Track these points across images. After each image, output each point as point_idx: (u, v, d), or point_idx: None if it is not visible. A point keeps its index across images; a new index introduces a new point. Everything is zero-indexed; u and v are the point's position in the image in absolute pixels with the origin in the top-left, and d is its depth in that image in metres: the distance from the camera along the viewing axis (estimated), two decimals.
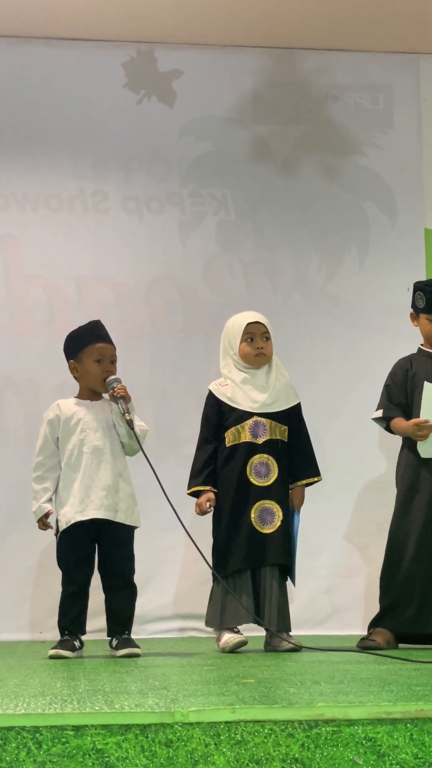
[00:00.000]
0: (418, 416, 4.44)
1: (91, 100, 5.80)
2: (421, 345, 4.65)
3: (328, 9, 5.58)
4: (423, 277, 5.70)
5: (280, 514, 4.29)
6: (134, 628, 4.22)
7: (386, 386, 4.62)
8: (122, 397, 4.12)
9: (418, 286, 4.63)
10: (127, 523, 4.14)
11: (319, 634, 5.28)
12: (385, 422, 4.57)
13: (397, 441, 4.62)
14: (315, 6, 5.55)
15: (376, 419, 4.61)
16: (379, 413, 4.57)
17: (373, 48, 5.99)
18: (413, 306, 4.64)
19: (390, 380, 4.62)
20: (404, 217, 5.96)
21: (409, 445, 4.49)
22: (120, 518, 4.11)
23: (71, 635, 4.08)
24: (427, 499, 4.42)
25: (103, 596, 4.17)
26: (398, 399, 4.55)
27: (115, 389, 4.13)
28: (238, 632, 4.24)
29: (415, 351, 4.66)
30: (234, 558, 4.25)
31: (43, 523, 4.17)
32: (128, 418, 4.08)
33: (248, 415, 4.34)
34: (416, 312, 4.63)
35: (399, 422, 4.50)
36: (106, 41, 5.82)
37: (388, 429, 4.59)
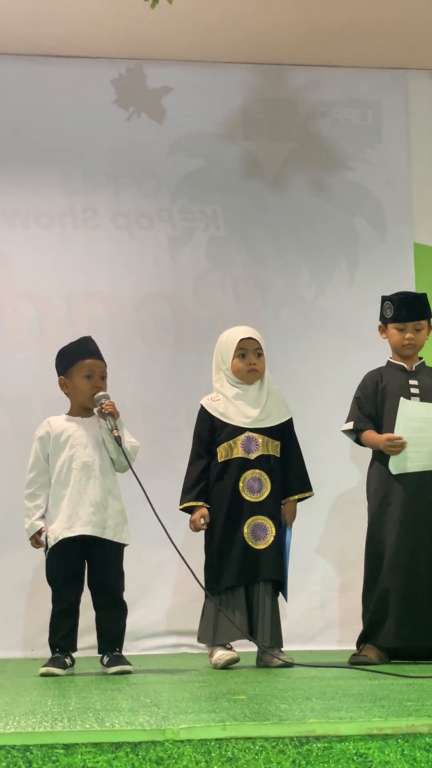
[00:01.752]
0: (388, 430, 4.43)
1: (80, 116, 5.81)
2: (390, 358, 4.65)
3: (317, 25, 5.61)
4: (413, 290, 5.72)
5: (273, 529, 4.28)
6: (126, 644, 4.20)
7: (356, 398, 4.61)
8: (110, 414, 4.11)
9: (386, 297, 4.66)
10: (116, 540, 4.12)
11: (311, 649, 5.27)
12: (355, 434, 4.57)
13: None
14: (303, 22, 5.57)
15: (346, 431, 4.60)
16: (350, 425, 4.56)
17: (362, 64, 6.02)
18: (381, 318, 4.66)
19: (360, 392, 4.61)
20: (393, 231, 5.98)
21: (380, 458, 4.49)
22: (108, 535, 4.10)
23: (62, 653, 4.07)
24: (399, 512, 4.41)
25: (93, 613, 4.16)
26: (369, 411, 4.55)
27: (103, 405, 4.13)
28: (230, 648, 4.23)
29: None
30: (227, 574, 4.24)
31: (36, 540, 4.16)
32: (116, 434, 4.08)
33: (240, 430, 4.34)
34: (384, 323, 4.64)
35: (370, 435, 4.50)
36: (95, 58, 5.83)
37: (358, 441, 4.58)
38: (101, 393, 4.18)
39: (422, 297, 4.69)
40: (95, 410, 4.21)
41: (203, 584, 4.22)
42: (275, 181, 5.96)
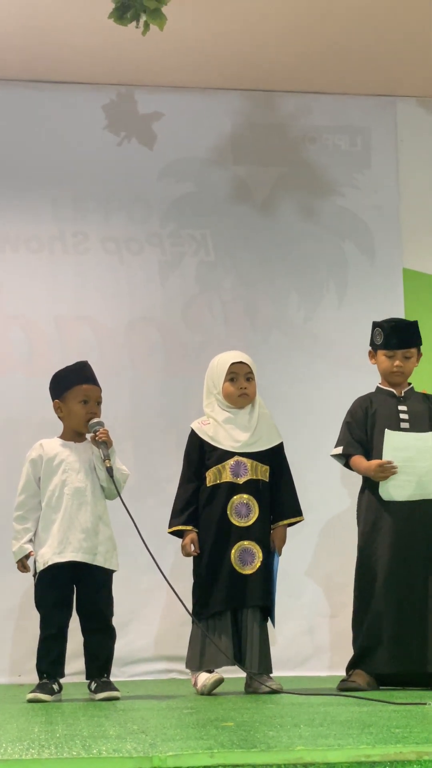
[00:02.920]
0: (377, 456, 4.43)
1: (71, 142, 5.83)
2: (379, 384, 4.66)
3: (306, 52, 5.65)
4: (402, 316, 5.74)
5: (260, 554, 4.27)
6: (114, 670, 4.18)
7: (346, 423, 4.60)
8: (104, 442, 4.11)
9: (377, 323, 4.67)
10: (106, 566, 4.11)
11: (300, 675, 5.25)
12: (345, 459, 4.57)
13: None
14: (293, 49, 5.62)
15: (335, 456, 4.60)
16: (339, 450, 4.56)
17: (351, 91, 6.06)
18: (371, 344, 4.67)
19: (350, 417, 4.61)
20: (382, 256, 6.01)
21: (370, 485, 4.48)
22: (99, 561, 4.09)
23: (50, 678, 4.04)
24: (390, 539, 4.40)
25: (81, 638, 4.14)
26: (359, 436, 4.55)
27: (98, 434, 4.13)
28: (213, 672, 4.21)
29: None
30: (214, 599, 4.23)
31: (22, 564, 4.14)
32: (108, 465, 4.08)
33: (229, 454, 4.34)
34: (374, 349, 4.65)
35: (360, 461, 4.50)
36: (86, 84, 5.87)
37: (347, 465, 4.58)
38: (96, 420, 4.17)
39: (412, 325, 4.70)
40: (89, 437, 4.21)
41: (190, 610, 4.20)
42: (265, 206, 5.99)
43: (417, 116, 6.18)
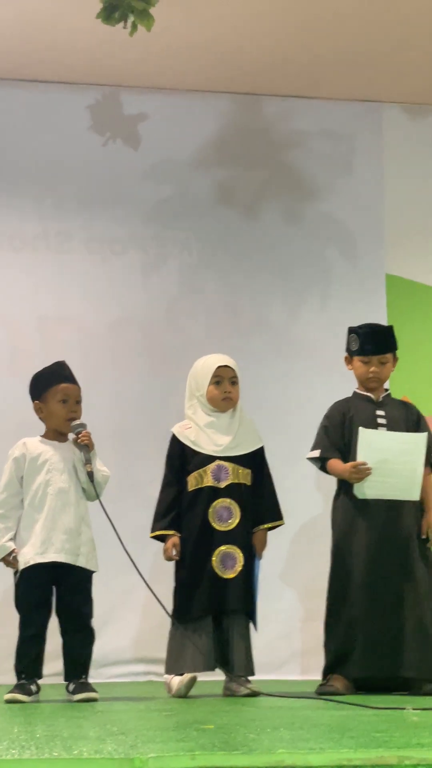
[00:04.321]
0: (354, 460, 4.43)
1: (56, 141, 5.82)
2: (356, 389, 4.67)
3: (292, 56, 5.66)
4: (384, 322, 5.75)
5: (242, 558, 4.27)
6: (92, 671, 4.17)
7: (324, 427, 4.61)
8: (86, 445, 4.10)
9: (352, 329, 4.68)
10: (88, 567, 4.11)
11: (278, 679, 5.25)
12: (321, 462, 4.57)
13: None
14: (279, 53, 5.62)
15: (311, 459, 4.60)
16: (316, 453, 4.56)
17: (336, 96, 6.07)
18: (347, 349, 4.67)
19: (327, 421, 4.61)
20: (365, 262, 6.02)
21: (346, 489, 4.49)
22: (81, 562, 4.08)
23: (28, 679, 4.02)
24: (365, 542, 4.41)
25: (59, 639, 4.12)
26: (336, 440, 4.55)
27: (79, 436, 4.12)
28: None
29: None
30: (196, 603, 4.22)
31: (7, 561, 4.12)
32: (89, 469, 4.07)
33: (210, 459, 4.33)
34: (350, 355, 4.66)
35: (336, 464, 4.50)
36: (71, 84, 5.85)
37: (323, 469, 4.58)
38: (78, 422, 4.16)
39: (388, 330, 4.70)
40: (71, 438, 4.19)
41: (170, 612, 4.20)
42: (248, 209, 5.99)
43: (402, 122, 6.19)
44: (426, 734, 2.49)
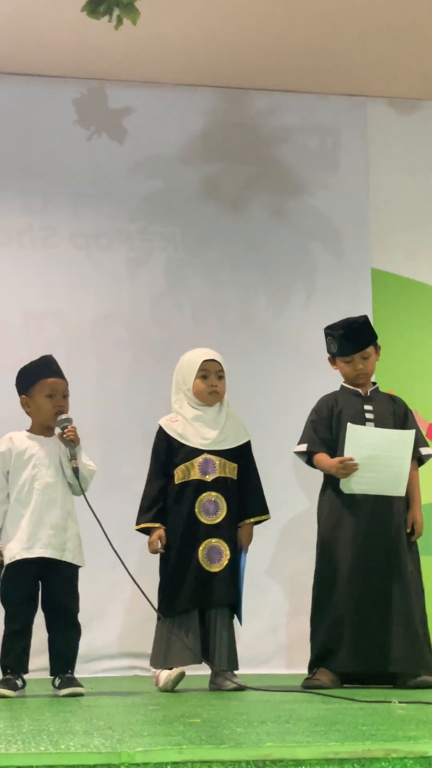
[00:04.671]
0: (342, 454, 4.43)
1: (41, 135, 5.80)
2: (343, 383, 4.67)
3: (278, 51, 5.66)
4: (369, 316, 5.74)
5: (228, 552, 4.27)
6: (78, 666, 4.16)
7: (311, 421, 4.60)
8: (71, 440, 4.09)
9: (327, 332, 4.65)
10: (74, 562, 4.10)
11: (264, 673, 5.25)
12: (307, 456, 4.57)
13: None
14: (265, 48, 5.62)
15: (298, 453, 4.60)
16: (303, 447, 4.55)
17: (322, 90, 6.07)
18: (328, 351, 4.66)
19: (315, 416, 4.60)
20: (350, 256, 6.03)
21: (333, 484, 4.49)
22: (67, 558, 4.07)
23: (13, 674, 4.01)
24: (351, 536, 4.41)
25: (45, 634, 4.11)
26: (323, 435, 4.54)
27: (65, 431, 4.10)
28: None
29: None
30: (181, 597, 4.22)
31: None
32: (74, 465, 4.06)
33: (198, 452, 4.33)
34: (332, 356, 4.66)
35: (323, 458, 4.49)
36: (57, 77, 5.84)
37: (310, 463, 4.58)
38: (64, 416, 4.15)
39: (363, 323, 4.66)
40: (57, 432, 4.18)
41: (156, 607, 4.19)
42: (234, 204, 5.99)
43: (387, 117, 6.20)
44: (412, 727, 2.50)
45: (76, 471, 4.07)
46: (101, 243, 5.81)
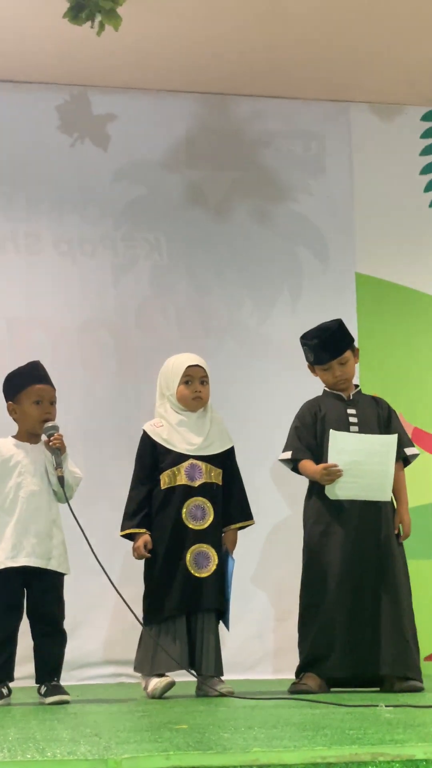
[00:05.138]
0: (327, 460, 4.42)
1: (24, 141, 5.79)
2: (326, 387, 4.67)
3: (261, 56, 5.66)
4: (354, 320, 5.77)
5: (215, 557, 4.27)
6: (63, 674, 4.14)
7: (295, 428, 4.59)
8: (57, 449, 4.07)
9: (302, 342, 4.65)
10: (60, 570, 4.08)
11: (250, 678, 5.25)
12: (292, 464, 4.56)
13: None
14: (248, 53, 5.63)
15: (283, 461, 4.60)
16: (288, 455, 4.54)
17: (306, 95, 6.08)
18: (306, 359, 4.67)
19: (299, 422, 4.60)
20: (335, 261, 6.04)
21: (318, 489, 4.48)
22: (53, 566, 4.05)
23: None
24: (340, 542, 4.41)
25: (30, 642, 4.09)
26: (307, 441, 4.54)
27: (51, 439, 4.09)
28: (164, 675, 4.19)
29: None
30: (168, 603, 4.21)
31: None
32: (60, 474, 4.04)
33: (184, 457, 4.32)
34: (311, 364, 4.66)
35: (308, 465, 4.49)
36: (39, 83, 5.83)
37: (295, 470, 4.58)
38: (51, 424, 4.13)
39: (336, 329, 4.64)
40: (43, 440, 4.16)
41: (140, 615, 4.18)
42: (218, 210, 5.99)
43: (370, 122, 6.22)
44: (399, 731, 2.50)
45: (61, 480, 4.05)
46: (85, 249, 5.80)
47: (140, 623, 4.16)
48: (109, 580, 3.95)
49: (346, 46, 5.59)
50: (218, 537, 4.33)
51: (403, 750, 2.13)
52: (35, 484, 4.10)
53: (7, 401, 4.24)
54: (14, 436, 4.23)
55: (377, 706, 3.26)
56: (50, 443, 4.09)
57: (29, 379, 4.21)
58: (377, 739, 2.32)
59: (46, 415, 4.16)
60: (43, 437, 4.16)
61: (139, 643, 4.30)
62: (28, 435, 4.20)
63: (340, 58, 5.71)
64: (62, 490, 4.06)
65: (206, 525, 4.29)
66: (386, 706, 3.23)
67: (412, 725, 2.67)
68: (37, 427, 4.17)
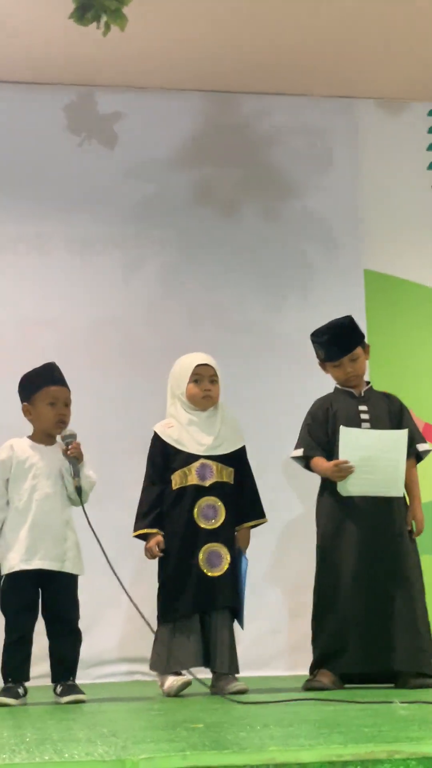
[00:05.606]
0: (339, 457, 4.42)
1: (32, 142, 5.81)
2: (337, 384, 4.67)
3: (267, 53, 5.66)
4: (363, 317, 5.77)
5: (228, 556, 4.27)
6: (79, 672, 4.16)
7: (307, 425, 4.60)
8: (75, 458, 4.08)
9: (313, 339, 4.66)
10: (74, 572, 4.10)
11: (265, 675, 5.26)
12: (305, 461, 4.57)
13: None
14: (254, 50, 5.63)
15: (295, 458, 4.60)
16: (299, 452, 4.55)
17: (312, 92, 6.08)
18: (317, 356, 4.67)
19: (310, 419, 4.60)
20: (344, 257, 6.04)
21: (330, 486, 4.48)
22: (67, 568, 4.07)
23: (15, 682, 4.01)
24: (355, 539, 4.41)
25: (46, 642, 4.11)
26: (319, 438, 4.54)
27: (70, 448, 4.09)
28: (180, 674, 4.21)
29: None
30: (182, 602, 4.22)
31: None
32: (77, 484, 4.04)
33: (195, 457, 4.33)
34: (321, 361, 4.66)
35: (319, 462, 4.49)
36: (46, 84, 5.84)
37: (308, 467, 4.58)
38: (68, 432, 4.13)
39: (347, 326, 4.65)
40: (60, 444, 4.15)
41: (154, 614, 4.19)
42: (226, 207, 5.99)
43: (376, 117, 6.22)
44: (415, 728, 2.51)
45: (78, 490, 4.06)
46: (96, 248, 5.81)
47: (148, 625, 4.14)
48: (119, 582, 3.95)
49: (351, 43, 5.59)
50: (230, 536, 4.34)
51: (419, 747, 2.13)
52: (49, 486, 4.11)
53: (22, 402, 4.25)
54: (30, 437, 4.24)
55: (392, 702, 3.26)
56: (68, 452, 4.09)
57: (44, 381, 4.21)
58: (393, 737, 2.32)
59: (60, 417, 4.17)
60: (61, 444, 4.15)
61: (154, 642, 4.31)
62: (42, 436, 4.21)
63: (345, 55, 5.71)
64: (79, 499, 4.06)
65: (218, 524, 4.30)
66: (401, 702, 3.24)
67: (428, 722, 2.67)
68: (51, 429, 4.18)
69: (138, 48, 5.47)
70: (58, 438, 4.18)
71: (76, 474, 4.06)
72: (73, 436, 4.12)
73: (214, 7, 5.23)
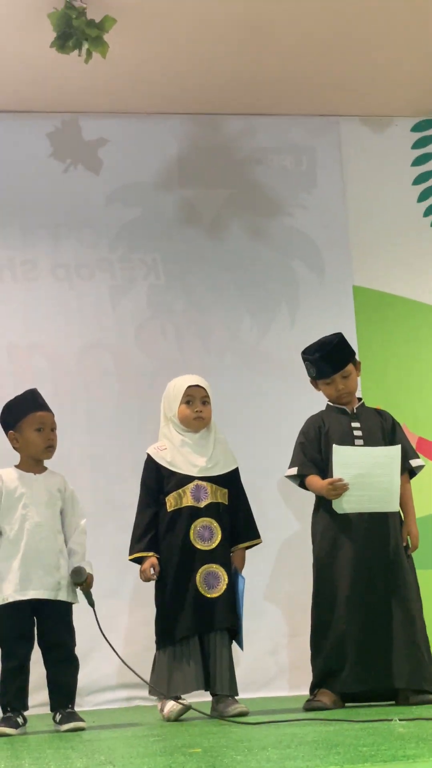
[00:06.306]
0: (332, 474, 4.41)
1: (17, 170, 5.82)
2: (329, 402, 4.67)
3: (249, 74, 5.69)
4: (353, 333, 5.77)
5: (225, 577, 4.26)
6: (77, 699, 4.14)
7: (300, 443, 4.60)
8: (89, 591, 4.08)
9: (304, 357, 4.66)
10: (68, 600, 4.08)
11: (265, 696, 5.24)
12: (299, 480, 4.56)
13: None
14: (236, 72, 5.65)
15: (289, 477, 4.60)
16: (294, 471, 4.55)
17: (295, 111, 6.11)
18: (308, 374, 4.67)
19: (303, 437, 4.60)
20: (332, 274, 6.05)
21: (325, 503, 4.48)
22: (61, 596, 4.05)
23: (13, 712, 3.99)
24: (350, 556, 4.40)
25: (43, 670, 4.09)
26: (312, 456, 4.54)
27: (82, 585, 4.06)
28: (179, 698, 4.19)
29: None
30: (181, 624, 4.20)
31: None
32: (88, 601, 4.07)
33: (189, 479, 4.33)
34: (313, 379, 4.66)
35: (314, 480, 4.49)
36: (30, 112, 5.86)
37: (302, 486, 4.58)
38: (76, 567, 4.07)
39: (337, 343, 4.65)
40: (72, 579, 4.09)
41: (152, 638, 4.17)
42: (213, 228, 6.01)
43: (360, 135, 6.24)
44: (412, 746, 2.50)
45: (89, 597, 4.07)
46: (83, 273, 5.82)
47: (142, 680, 4.14)
48: (99, 626, 3.97)
49: (333, 61, 5.62)
50: (227, 556, 4.33)
51: (414, 765, 2.13)
52: (40, 515, 4.10)
53: (7, 431, 4.24)
54: (17, 466, 4.23)
55: (391, 720, 3.24)
56: (81, 590, 4.08)
57: (30, 407, 4.22)
58: (390, 756, 2.31)
59: (49, 442, 4.18)
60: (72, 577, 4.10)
61: (153, 667, 4.29)
62: (30, 464, 4.21)
63: (328, 73, 5.73)
64: (94, 611, 4.06)
65: (214, 545, 4.29)
66: (400, 719, 3.22)
67: (425, 739, 2.66)
68: (40, 454, 4.18)
69: (121, 73, 5.50)
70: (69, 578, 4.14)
71: (91, 605, 4.06)
72: (81, 573, 4.07)
73: (195, 31, 5.25)
